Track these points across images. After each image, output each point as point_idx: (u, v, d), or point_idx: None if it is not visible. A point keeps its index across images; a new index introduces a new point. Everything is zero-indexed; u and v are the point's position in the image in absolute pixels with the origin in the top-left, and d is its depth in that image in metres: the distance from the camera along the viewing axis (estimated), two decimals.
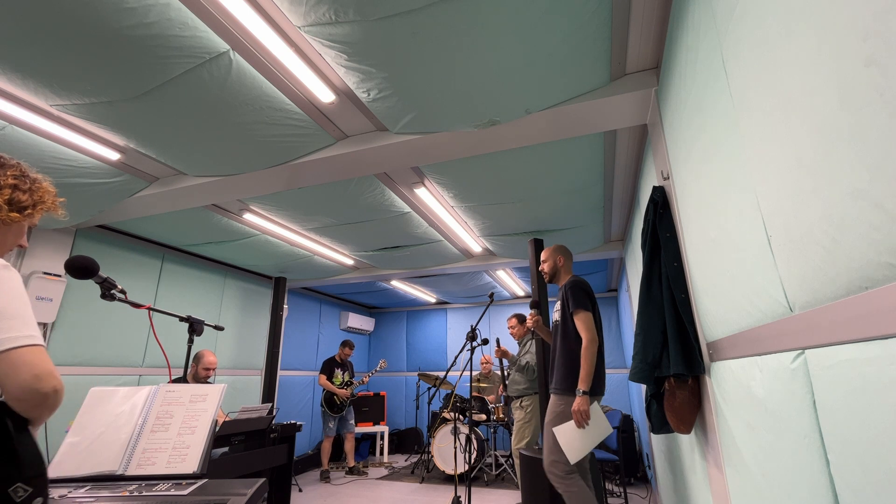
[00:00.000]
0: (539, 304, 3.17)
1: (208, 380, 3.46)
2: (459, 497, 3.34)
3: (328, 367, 5.25)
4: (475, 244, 4.18)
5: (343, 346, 5.40)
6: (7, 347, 0.80)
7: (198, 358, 3.33)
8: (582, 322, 2.32)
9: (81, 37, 1.57)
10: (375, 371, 5.57)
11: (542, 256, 2.74)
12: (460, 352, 3.97)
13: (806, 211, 0.72)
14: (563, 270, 2.64)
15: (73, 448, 1.32)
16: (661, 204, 1.76)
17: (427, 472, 5.11)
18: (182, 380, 2.90)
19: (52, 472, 1.26)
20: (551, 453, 2.30)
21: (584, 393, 2.20)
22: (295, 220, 3.56)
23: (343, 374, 5.30)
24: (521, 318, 4.04)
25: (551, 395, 2.47)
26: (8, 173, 0.96)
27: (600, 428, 2.21)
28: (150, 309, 1.65)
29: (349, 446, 5.26)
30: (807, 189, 0.71)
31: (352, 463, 5.22)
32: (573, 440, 2.21)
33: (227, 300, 4.78)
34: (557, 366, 2.46)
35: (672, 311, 1.57)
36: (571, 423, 2.22)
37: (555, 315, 2.61)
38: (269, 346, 5.07)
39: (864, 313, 0.58)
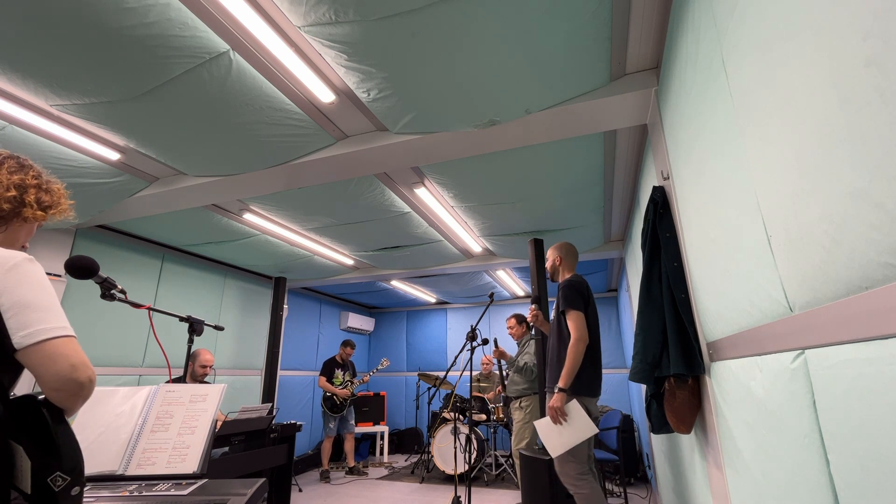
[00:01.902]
0: (539, 299, 3.19)
1: (206, 378, 3.47)
2: (459, 497, 3.34)
3: (328, 368, 5.25)
4: (475, 244, 4.18)
5: (345, 345, 5.39)
6: (42, 339, 0.81)
7: (194, 356, 3.35)
8: (571, 321, 2.33)
9: (82, 37, 1.57)
10: (377, 370, 5.57)
11: (547, 254, 2.77)
12: (460, 352, 3.97)
13: (806, 211, 0.72)
14: (562, 269, 2.64)
15: None
16: (661, 204, 1.76)
17: (427, 472, 5.11)
18: (181, 379, 2.90)
19: None
20: (562, 457, 2.29)
21: (560, 390, 2.22)
22: (295, 220, 3.56)
23: (343, 374, 5.30)
24: (520, 318, 4.04)
25: (546, 394, 2.49)
26: (30, 174, 0.99)
27: (581, 428, 2.20)
28: (150, 309, 1.65)
29: (349, 446, 5.26)
30: (807, 189, 0.71)
31: (352, 463, 5.22)
32: (549, 435, 2.26)
33: (227, 300, 4.78)
34: (551, 364, 2.49)
35: (672, 310, 1.57)
36: (548, 418, 2.26)
37: (552, 313, 2.63)
38: (269, 346, 5.06)
39: (864, 313, 0.58)
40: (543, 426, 2.29)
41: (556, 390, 2.24)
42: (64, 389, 0.82)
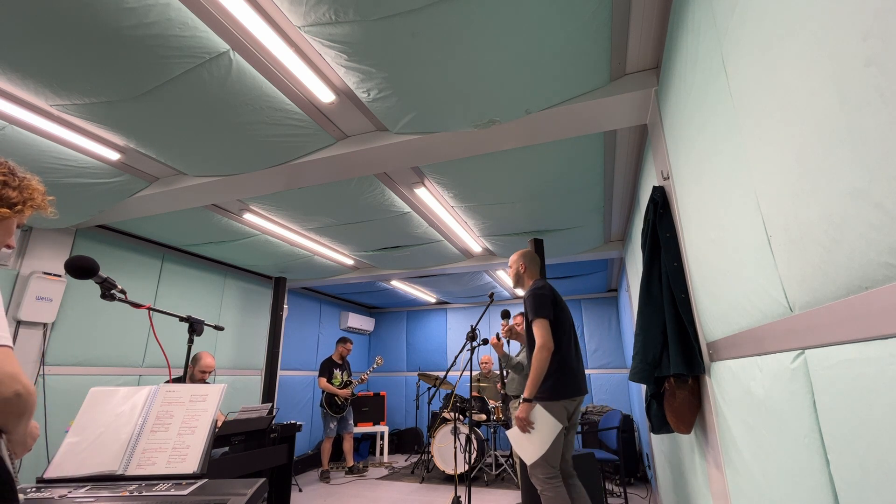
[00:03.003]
0: (509, 313, 3.27)
1: (205, 382, 3.45)
2: (459, 497, 3.34)
3: (327, 369, 5.22)
4: (475, 244, 4.18)
5: (343, 342, 5.35)
6: None
7: (195, 360, 3.33)
8: (537, 329, 2.35)
9: (81, 37, 1.57)
10: (372, 369, 5.56)
11: (509, 262, 2.79)
12: (460, 352, 3.97)
13: (806, 211, 0.72)
14: (525, 276, 2.67)
15: (73, 448, 1.32)
16: (661, 204, 1.76)
17: (427, 472, 5.11)
18: (181, 379, 2.90)
19: (53, 472, 1.26)
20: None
21: (525, 400, 2.25)
22: (295, 220, 3.56)
23: (342, 373, 5.29)
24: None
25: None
26: None
27: (548, 430, 2.25)
28: (150, 309, 1.65)
29: (348, 446, 5.26)
30: (807, 189, 0.71)
31: (351, 462, 5.22)
32: (521, 444, 2.30)
33: (227, 300, 4.78)
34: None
35: (672, 310, 1.57)
36: (516, 428, 2.31)
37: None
38: (269, 346, 5.06)
39: (864, 313, 0.58)
40: (514, 436, 2.32)
41: (521, 400, 2.28)
42: None
